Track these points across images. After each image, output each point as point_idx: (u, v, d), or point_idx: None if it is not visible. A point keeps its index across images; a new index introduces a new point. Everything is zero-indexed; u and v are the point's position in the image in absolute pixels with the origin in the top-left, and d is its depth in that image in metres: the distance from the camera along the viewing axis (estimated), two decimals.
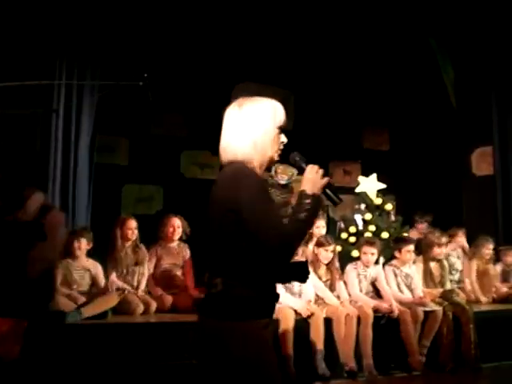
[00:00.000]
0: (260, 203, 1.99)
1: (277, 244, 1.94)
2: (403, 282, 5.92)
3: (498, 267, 7.22)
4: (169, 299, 5.67)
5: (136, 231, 5.79)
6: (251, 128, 2.16)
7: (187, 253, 6.16)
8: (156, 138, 8.12)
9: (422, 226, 7.63)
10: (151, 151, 8.00)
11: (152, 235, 6.18)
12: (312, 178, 2.09)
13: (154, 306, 5.45)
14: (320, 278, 5.59)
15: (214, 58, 7.55)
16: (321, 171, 2.11)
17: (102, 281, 5.52)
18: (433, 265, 6.23)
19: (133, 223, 5.78)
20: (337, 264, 5.78)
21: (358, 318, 5.30)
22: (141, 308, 5.31)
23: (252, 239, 1.97)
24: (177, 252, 6.12)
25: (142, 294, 5.64)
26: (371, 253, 5.78)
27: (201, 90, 7.74)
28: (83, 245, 5.39)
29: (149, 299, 5.52)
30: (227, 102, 2.27)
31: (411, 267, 6.04)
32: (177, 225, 6.06)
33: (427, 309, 5.59)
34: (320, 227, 6.24)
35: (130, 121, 7.83)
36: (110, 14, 6.38)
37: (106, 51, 6.47)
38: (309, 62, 8.06)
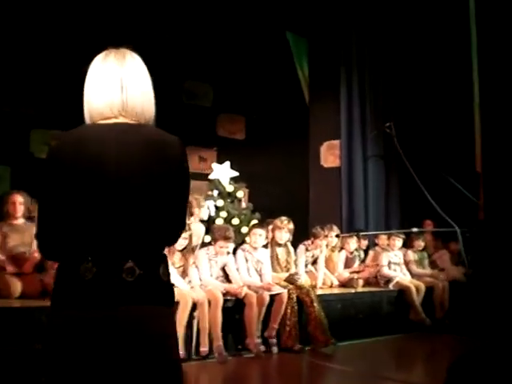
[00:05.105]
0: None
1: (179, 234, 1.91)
2: (253, 266, 6.08)
3: (342, 254, 7.68)
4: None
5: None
6: (150, 85, 1.83)
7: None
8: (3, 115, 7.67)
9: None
10: None
11: None
12: None
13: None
14: (173, 265, 5.56)
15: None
16: None
17: None
18: (279, 250, 6.47)
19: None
20: (191, 250, 5.80)
21: (209, 302, 5.40)
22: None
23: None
24: (23, 230, 5.58)
25: None
26: (226, 247, 5.86)
27: (49, 65, 7.42)
28: None
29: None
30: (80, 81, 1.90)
31: (263, 253, 6.21)
32: (18, 201, 5.51)
33: (273, 292, 5.80)
34: None
35: None
36: None
37: None
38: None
